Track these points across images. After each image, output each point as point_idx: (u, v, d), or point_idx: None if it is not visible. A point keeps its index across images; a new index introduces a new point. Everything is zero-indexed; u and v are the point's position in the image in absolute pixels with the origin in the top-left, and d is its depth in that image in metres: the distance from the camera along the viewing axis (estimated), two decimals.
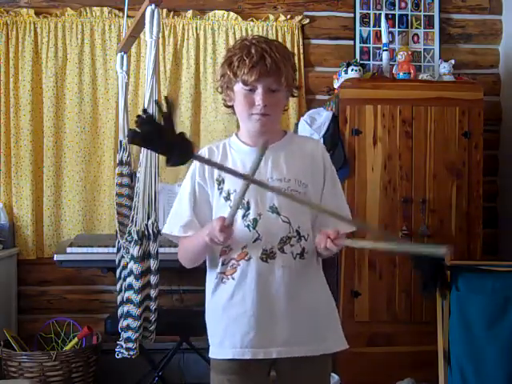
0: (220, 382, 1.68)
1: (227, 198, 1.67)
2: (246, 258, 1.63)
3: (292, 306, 1.63)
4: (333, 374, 2.88)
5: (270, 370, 1.65)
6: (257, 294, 1.62)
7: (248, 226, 1.64)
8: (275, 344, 1.62)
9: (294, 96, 1.79)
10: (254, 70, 1.62)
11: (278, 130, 1.79)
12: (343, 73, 3.41)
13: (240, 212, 1.63)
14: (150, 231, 2.23)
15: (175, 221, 1.72)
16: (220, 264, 1.67)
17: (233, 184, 1.66)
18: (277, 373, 1.66)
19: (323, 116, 3.23)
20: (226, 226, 1.51)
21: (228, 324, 1.65)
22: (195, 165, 1.72)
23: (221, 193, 1.68)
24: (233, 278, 1.64)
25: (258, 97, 1.64)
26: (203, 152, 1.76)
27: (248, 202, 1.64)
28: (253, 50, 1.64)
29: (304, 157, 1.73)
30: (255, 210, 1.64)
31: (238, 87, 1.67)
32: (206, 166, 1.70)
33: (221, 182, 1.69)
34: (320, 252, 1.66)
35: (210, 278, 1.72)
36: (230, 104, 1.75)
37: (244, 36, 1.80)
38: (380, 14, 3.73)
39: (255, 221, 1.63)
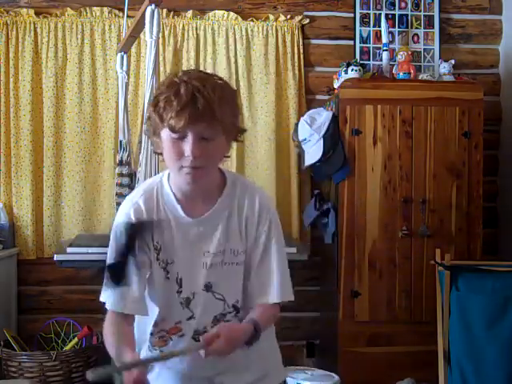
0: None
1: (165, 269, 1.50)
2: (179, 334, 1.52)
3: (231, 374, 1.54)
4: (333, 374, 2.88)
5: None
6: (186, 375, 1.53)
7: (181, 304, 1.51)
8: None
9: (238, 141, 1.53)
10: (182, 113, 1.35)
11: (216, 178, 1.53)
12: (343, 73, 3.42)
13: (176, 287, 1.50)
14: None
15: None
16: (148, 332, 1.55)
17: (169, 254, 1.49)
18: None
19: (323, 116, 3.23)
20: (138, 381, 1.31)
21: None
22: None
23: (159, 263, 1.50)
24: (161, 351, 1.53)
25: (188, 147, 1.38)
26: (139, 209, 1.50)
27: (181, 279, 1.49)
28: (182, 90, 1.37)
29: (241, 219, 1.52)
30: (188, 289, 1.50)
31: (165, 134, 1.41)
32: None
33: (159, 250, 1.50)
34: None
35: (139, 335, 1.54)
36: (158, 151, 1.50)
37: (177, 71, 1.52)
38: (380, 13, 3.73)
39: (188, 300, 1.50)
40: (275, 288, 1.52)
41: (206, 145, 1.40)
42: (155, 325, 1.54)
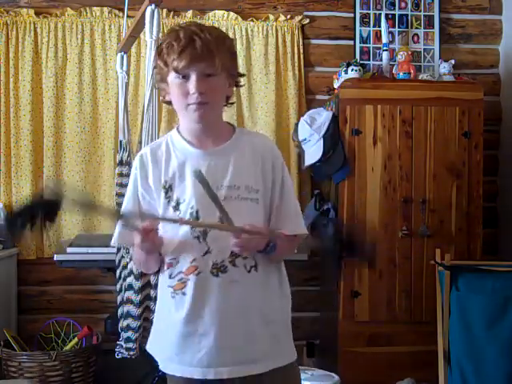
0: None
1: (176, 208, 1.53)
2: (196, 273, 1.51)
3: (245, 323, 1.53)
4: (333, 374, 2.88)
5: None
6: (208, 311, 1.51)
7: (198, 238, 1.51)
8: (226, 363, 1.52)
9: (238, 86, 1.64)
10: (183, 54, 1.48)
11: (224, 125, 1.64)
12: (343, 73, 3.42)
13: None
14: None
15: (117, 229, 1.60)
16: (167, 277, 1.57)
17: (182, 192, 1.53)
18: None
19: (323, 116, 3.23)
20: (148, 229, 1.40)
21: (178, 341, 1.54)
22: (136, 170, 1.59)
23: (169, 201, 1.54)
24: (183, 293, 1.53)
25: (192, 84, 1.49)
26: (145, 156, 1.59)
27: (197, 211, 1.51)
28: (181, 34, 1.50)
29: (254, 158, 1.58)
30: (205, 220, 1.51)
31: (171, 77, 1.52)
32: (150, 171, 1.57)
33: (168, 189, 1.55)
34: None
35: (161, 288, 1.62)
36: (167, 99, 1.59)
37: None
38: (380, 13, 3.73)
39: (205, 232, 1.51)
40: (293, 222, 1.61)
41: (208, 81, 1.50)
42: (169, 265, 1.56)
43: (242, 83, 1.66)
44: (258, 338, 1.54)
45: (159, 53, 1.54)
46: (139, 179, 1.58)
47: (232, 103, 1.65)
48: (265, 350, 1.55)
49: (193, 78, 1.49)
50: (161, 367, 1.61)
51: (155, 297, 2.29)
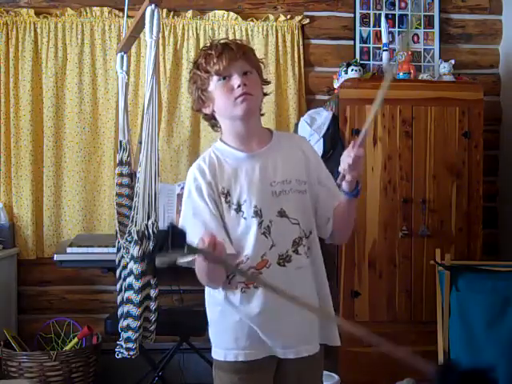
0: (231, 381, 1.68)
1: (238, 210, 1.64)
2: (267, 266, 1.63)
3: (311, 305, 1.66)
4: (333, 374, 2.88)
5: (277, 366, 1.69)
6: (281, 300, 1.57)
7: (264, 234, 1.63)
8: (300, 343, 1.67)
9: (265, 94, 1.76)
10: (221, 57, 1.64)
11: (263, 128, 1.76)
12: (343, 73, 3.42)
13: (255, 221, 1.62)
14: (150, 231, 2.23)
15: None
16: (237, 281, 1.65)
17: (240, 194, 1.64)
18: (283, 373, 1.69)
19: (323, 116, 3.23)
20: (215, 243, 1.44)
21: (256, 331, 1.65)
22: (198, 179, 1.66)
23: (230, 206, 1.64)
24: (255, 287, 1.63)
25: (235, 80, 1.63)
26: (193, 174, 1.68)
27: (260, 210, 1.63)
28: (215, 44, 1.68)
29: (295, 153, 1.72)
30: (267, 217, 1.63)
31: (214, 82, 1.66)
32: (211, 179, 1.65)
33: (226, 194, 1.65)
34: (346, 181, 1.59)
35: (225, 287, 1.68)
36: (207, 111, 1.71)
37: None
38: (380, 14, 3.73)
39: (268, 228, 1.63)
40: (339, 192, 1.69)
41: (248, 77, 1.65)
42: (241, 262, 1.64)
43: (268, 91, 1.78)
44: (308, 323, 1.68)
45: (197, 66, 1.68)
46: (204, 186, 1.65)
47: (262, 114, 1.76)
48: (313, 333, 1.71)
49: (235, 75, 1.63)
50: (217, 356, 1.69)
51: (155, 297, 2.30)
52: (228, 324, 1.68)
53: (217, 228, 1.61)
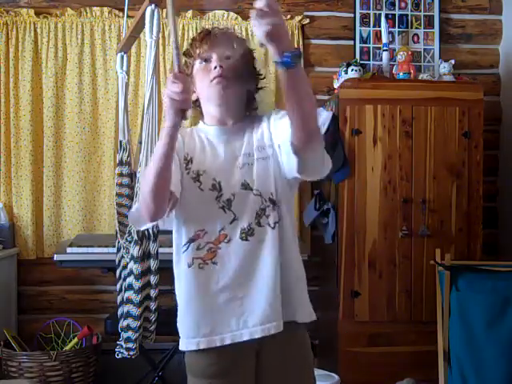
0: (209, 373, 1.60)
1: (196, 179, 1.62)
2: (226, 241, 1.58)
3: (273, 281, 1.58)
4: (333, 374, 2.88)
5: (256, 353, 1.61)
6: (242, 275, 1.57)
7: (223, 208, 1.60)
8: (270, 320, 1.57)
9: (258, 88, 1.75)
10: (204, 41, 1.67)
11: (246, 115, 1.73)
12: (343, 73, 3.42)
13: (213, 194, 1.60)
14: (150, 231, 2.23)
15: None
16: (195, 249, 1.59)
17: (200, 164, 1.63)
18: (263, 355, 1.62)
19: (323, 116, 3.23)
20: (178, 74, 1.39)
21: (218, 311, 1.58)
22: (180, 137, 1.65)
23: (188, 173, 1.63)
24: (213, 263, 1.58)
25: (214, 62, 1.64)
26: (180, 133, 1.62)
27: (219, 183, 1.61)
28: (201, 32, 1.72)
29: (261, 125, 1.69)
30: (228, 191, 1.60)
31: (196, 65, 1.68)
32: (181, 140, 1.64)
33: (189, 161, 1.65)
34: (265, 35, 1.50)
35: (181, 265, 1.63)
36: (193, 97, 1.67)
37: None
38: (380, 13, 3.73)
39: (229, 201, 1.60)
40: None
41: (228, 61, 1.64)
42: (197, 237, 1.60)
43: (263, 85, 1.77)
44: (292, 293, 1.63)
45: (186, 53, 1.71)
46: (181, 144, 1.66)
47: (255, 108, 1.77)
48: (298, 304, 1.67)
49: (214, 57, 1.64)
50: (189, 347, 1.60)
51: (155, 297, 2.30)
52: (189, 309, 1.62)
53: (175, 168, 1.57)
